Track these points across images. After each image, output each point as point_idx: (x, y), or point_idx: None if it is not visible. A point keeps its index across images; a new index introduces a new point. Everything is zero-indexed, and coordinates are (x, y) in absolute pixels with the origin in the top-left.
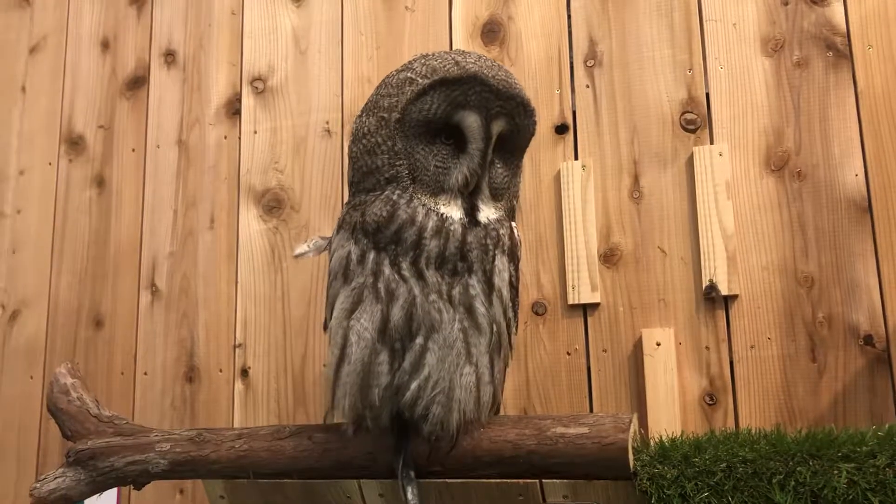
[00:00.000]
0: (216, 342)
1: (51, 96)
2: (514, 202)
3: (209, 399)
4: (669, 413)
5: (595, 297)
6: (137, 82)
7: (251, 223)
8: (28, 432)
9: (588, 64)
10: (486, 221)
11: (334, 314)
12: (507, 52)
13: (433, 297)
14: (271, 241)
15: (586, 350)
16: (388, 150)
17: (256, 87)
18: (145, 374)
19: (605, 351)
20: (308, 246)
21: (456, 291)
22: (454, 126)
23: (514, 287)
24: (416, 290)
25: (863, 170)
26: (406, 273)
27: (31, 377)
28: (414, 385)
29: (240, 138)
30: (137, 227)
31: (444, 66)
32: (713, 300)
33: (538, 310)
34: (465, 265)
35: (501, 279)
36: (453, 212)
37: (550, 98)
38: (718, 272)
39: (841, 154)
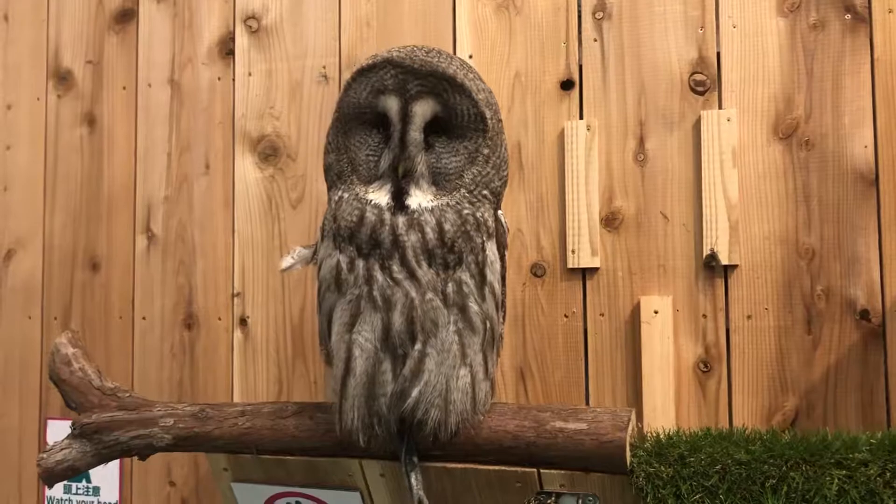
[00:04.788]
0: (214, 290)
1: (35, 27)
2: (491, 190)
3: (208, 346)
4: (664, 379)
5: (595, 262)
6: (126, 16)
7: (247, 171)
8: (29, 371)
9: (597, 16)
10: (416, 207)
11: (335, 329)
12: (514, 0)
13: (430, 295)
14: (268, 189)
15: (584, 314)
16: (334, 148)
17: (250, 26)
18: (143, 318)
19: (602, 315)
20: (293, 257)
21: (449, 289)
22: (382, 115)
23: (503, 278)
24: (413, 292)
25: (872, 142)
26: (398, 276)
27: (30, 317)
28: (415, 392)
29: (234, 80)
30: (131, 169)
31: (367, 59)
32: (713, 268)
33: (537, 272)
34: (455, 257)
35: (493, 271)
36: (381, 198)
37: (556, 51)
38: (720, 241)
39: (851, 124)
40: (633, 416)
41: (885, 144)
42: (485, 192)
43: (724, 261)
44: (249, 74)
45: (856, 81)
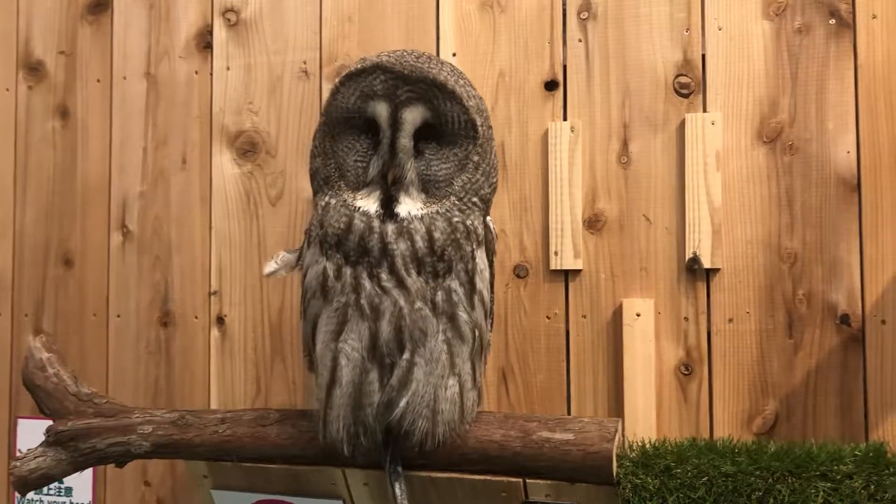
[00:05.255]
0: (191, 288)
1: (4, 15)
2: (481, 197)
3: (185, 345)
4: (645, 382)
5: (577, 264)
6: (100, 6)
7: (225, 166)
8: None
9: (582, 16)
10: (406, 215)
11: (320, 337)
12: None
13: (418, 304)
14: (246, 186)
15: (566, 315)
16: (321, 152)
17: (229, 20)
18: (118, 316)
19: (584, 317)
20: (277, 262)
21: (439, 298)
22: (372, 120)
23: (492, 285)
24: (401, 301)
25: (855, 147)
26: (387, 284)
27: None
28: (403, 402)
29: (211, 74)
30: (105, 164)
31: (356, 63)
32: (695, 272)
33: (520, 272)
34: (444, 265)
35: (482, 279)
36: (370, 205)
37: (541, 51)
38: (703, 245)
39: (835, 129)
40: (621, 427)
41: (867, 150)
42: (474, 199)
43: (707, 264)
44: (228, 69)
45: (839, 86)
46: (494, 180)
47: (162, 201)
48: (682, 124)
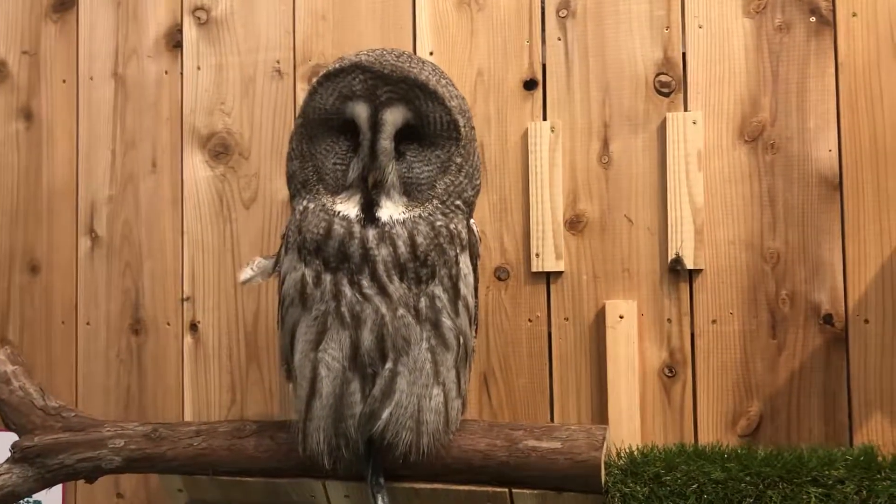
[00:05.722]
0: (162, 294)
1: None
2: (464, 199)
3: (157, 352)
4: (629, 384)
5: (559, 266)
6: (65, 4)
7: (197, 169)
8: None
9: (561, 14)
10: (388, 220)
11: (298, 346)
12: None
13: (401, 311)
14: (219, 189)
15: (548, 318)
16: (298, 155)
17: (199, 18)
18: (88, 324)
19: (566, 319)
20: (253, 269)
21: (422, 305)
22: (351, 121)
23: (476, 290)
24: (383, 309)
25: (836, 146)
26: (368, 291)
27: None
28: (386, 413)
29: (182, 74)
30: (72, 167)
31: (334, 63)
32: (678, 272)
33: (501, 275)
34: (428, 271)
35: (466, 284)
36: (350, 209)
37: (520, 50)
38: (685, 246)
39: (816, 128)
40: (609, 434)
41: (848, 149)
42: (458, 202)
43: (689, 265)
44: (198, 68)
45: (820, 85)
46: (478, 182)
47: (132, 205)
48: (663, 123)
